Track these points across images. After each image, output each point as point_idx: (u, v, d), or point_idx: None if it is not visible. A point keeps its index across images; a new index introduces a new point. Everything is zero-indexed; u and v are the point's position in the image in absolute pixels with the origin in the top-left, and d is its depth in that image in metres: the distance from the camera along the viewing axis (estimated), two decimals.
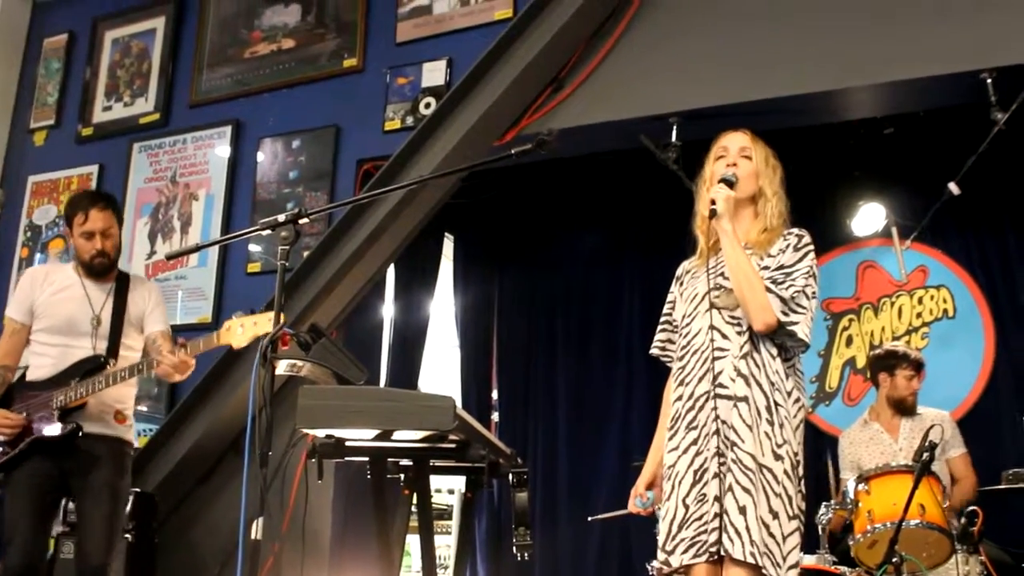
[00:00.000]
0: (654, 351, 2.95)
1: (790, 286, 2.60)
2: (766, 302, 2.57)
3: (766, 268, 2.66)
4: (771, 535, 2.46)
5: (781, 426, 2.55)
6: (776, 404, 2.57)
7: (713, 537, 2.49)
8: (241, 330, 3.19)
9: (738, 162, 2.79)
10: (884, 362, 4.85)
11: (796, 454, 2.58)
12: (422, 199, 4.72)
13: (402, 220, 4.69)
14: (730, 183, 2.70)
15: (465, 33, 4.79)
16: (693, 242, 2.90)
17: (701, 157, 2.94)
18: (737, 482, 2.48)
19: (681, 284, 2.89)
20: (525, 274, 6.93)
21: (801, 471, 2.60)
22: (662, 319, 2.95)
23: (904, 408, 4.76)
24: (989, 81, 3.94)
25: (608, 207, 6.44)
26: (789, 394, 2.62)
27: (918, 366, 4.76)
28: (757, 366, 2.59)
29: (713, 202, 2.66)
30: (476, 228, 6.88)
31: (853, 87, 4.18)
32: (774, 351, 2.63)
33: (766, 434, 2.53)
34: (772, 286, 2.59)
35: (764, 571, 2.42)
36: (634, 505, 2.89)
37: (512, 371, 6.85)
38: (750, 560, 2.41)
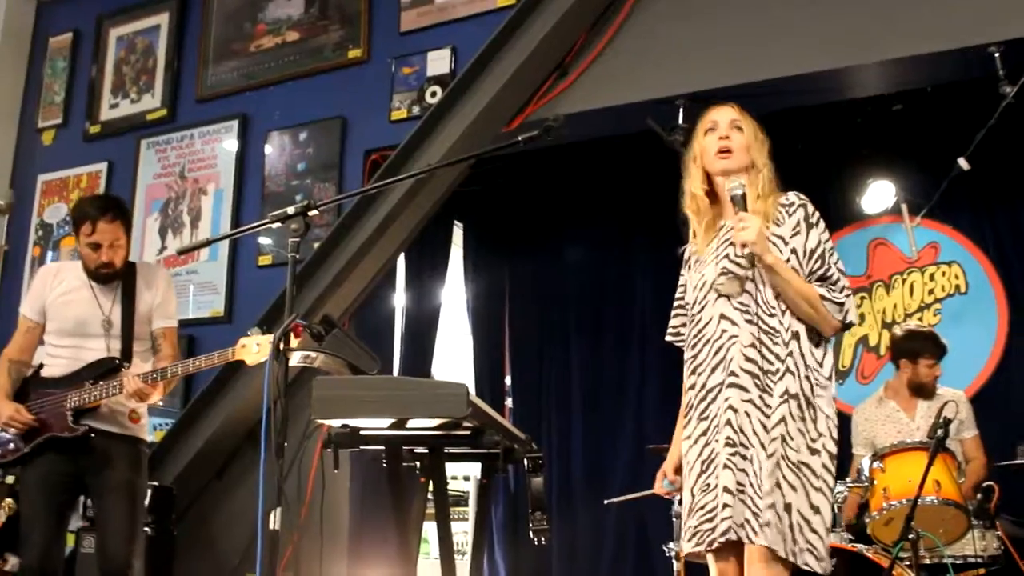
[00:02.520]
0: (668, 337, 2.90)
1: (837, 279, 2.61)
2: (828, 314, 2.59)
3: (793, 253, 2.60)
4: (813, 531, 2.45)
5: (815, 421, 2.52)
6: (810, 397, 2.53)
7: (723, 526, 2.45)
8: (257, 348, 3.19)
9: (730, 134, 2.73)
10: (907, 348, 4.77)
11: (833, 440, 2.55)
12: (430, 187, 4.73)
13: (411, 209, 4.70)
14: (743, 199, 2.60)
15: (469, 21, 4.78)
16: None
17: None
18: (784, 478, 2.45)
19: (689, 268, 2.84)
20: (535, 260, 6.93)
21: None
22: (675, 303, 2.89)
23: (924, 392, 4.73)
24: (997, 55, 3.91)
25: (617, 192, 6.43)
26: (821, 364, 2.59)
27: (941, 354, 4.69)
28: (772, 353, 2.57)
29: (745, 245, 2.52)
30: (485, 215, 6.89)
31: (860, 65, 4.15)
32: (801, 329, 2.60)
33: (800, 431, 2.50)
34: (825, 292, 2.58)
35: (807, 567, 2.43)
36: (661, 487, 2.89)
37: (525, 357, 6.86)
38: (789, 557, 2.41)
